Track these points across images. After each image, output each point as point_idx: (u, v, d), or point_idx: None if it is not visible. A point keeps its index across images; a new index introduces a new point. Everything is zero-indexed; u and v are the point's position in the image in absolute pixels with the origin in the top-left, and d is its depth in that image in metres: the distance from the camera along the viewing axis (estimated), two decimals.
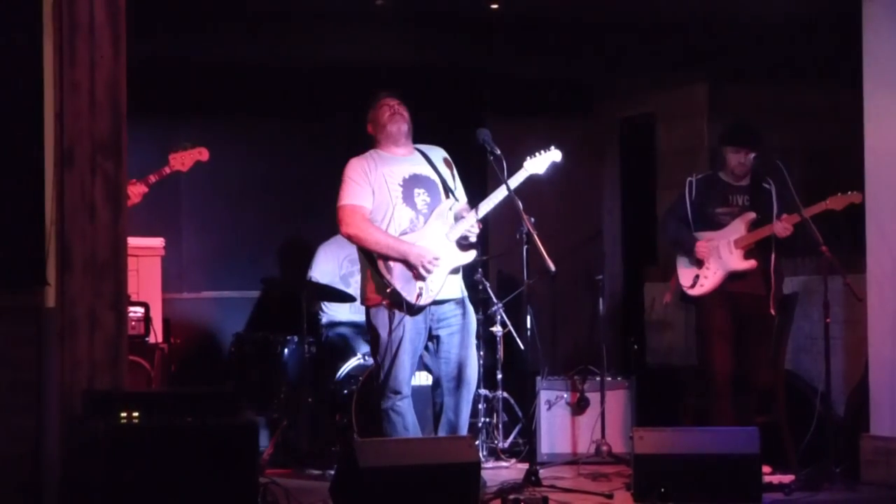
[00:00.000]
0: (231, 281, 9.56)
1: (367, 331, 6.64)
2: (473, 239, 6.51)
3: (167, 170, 6.94)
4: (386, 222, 6.47)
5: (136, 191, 6.56)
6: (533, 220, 6.59)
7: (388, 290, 6.39)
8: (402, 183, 6.51)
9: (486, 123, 9.68)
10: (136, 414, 5.24)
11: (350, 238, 6.54)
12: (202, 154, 7.00)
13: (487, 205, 6.54)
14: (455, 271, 6.53)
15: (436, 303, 6.47)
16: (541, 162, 6.65)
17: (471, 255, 6.56)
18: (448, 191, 6.59)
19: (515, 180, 6.54)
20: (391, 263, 6.40)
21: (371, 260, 6.46)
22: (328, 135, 9.30)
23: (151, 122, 7.07)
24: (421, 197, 6.52)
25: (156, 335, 7.81)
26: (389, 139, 6.58)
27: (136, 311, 7.55)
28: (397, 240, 6.42)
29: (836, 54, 8.14)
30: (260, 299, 9.48)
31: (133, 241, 6.51)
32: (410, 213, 6.49)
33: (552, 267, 6.27)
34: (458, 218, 6.54)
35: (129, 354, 6.11)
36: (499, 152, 6.55)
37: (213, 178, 9.14)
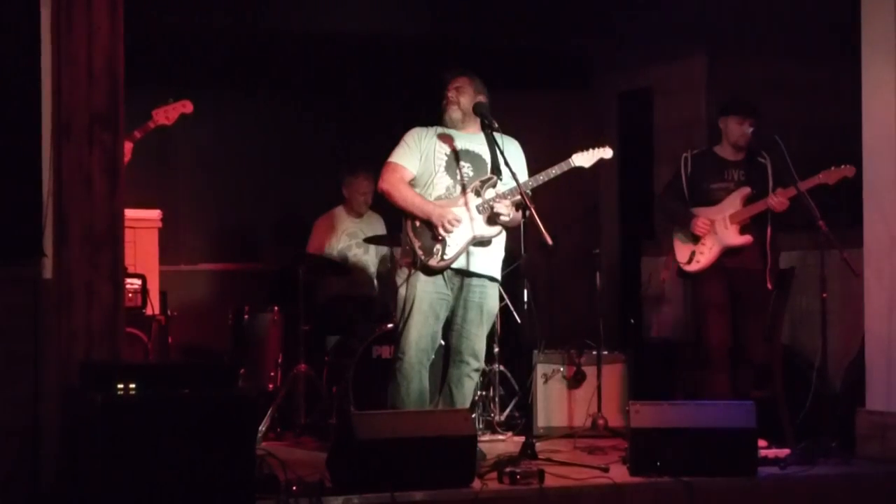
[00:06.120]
0: (228, 253, 9.57)
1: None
2: (505, 219, 6.51)
3: (151, 124, 6.84)
4: (426, 188, 6.56)
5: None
6: (530, 193, 6.58)
7: (408, 249, 6.50)
8: (449, 153, 6.57)
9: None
10: (132, 385, 5.23)
11: (382, 193, 6.67)
12: (186, 106, 6.88)
13: (527, 185, 6.51)
14: (485, 244, 6.55)
15: (468, 273, 6.52)
16: (589, 157, 6.66)
17: (495, 230, 6.56)
18: (497, 172, 6.59)
19: (558, 170, 6.56)
20: (418, 224, 6.50)
21: (406, 221, 6.56)
22: (327, 107, 9.28)
23: (146, 90, 6.98)
24: (464, 170, 6.57)
25: (153, 307, 7.81)
26: (449, 124, 6.66)
27: (134, 283, 7.56)
28: (423, 200, 6.52)
29: (834, 28, 8.11)
30: (257, 272, 9.48)
31: (130, 213, 6.49)
32: (449, 182, 6.57)
33: (550, 241, 6.27)
34: (497, 197, 6.53)
35: (126, 326, 6.13)
36: (496, 126, 6.54)
37: (211, 150, 9.13)
